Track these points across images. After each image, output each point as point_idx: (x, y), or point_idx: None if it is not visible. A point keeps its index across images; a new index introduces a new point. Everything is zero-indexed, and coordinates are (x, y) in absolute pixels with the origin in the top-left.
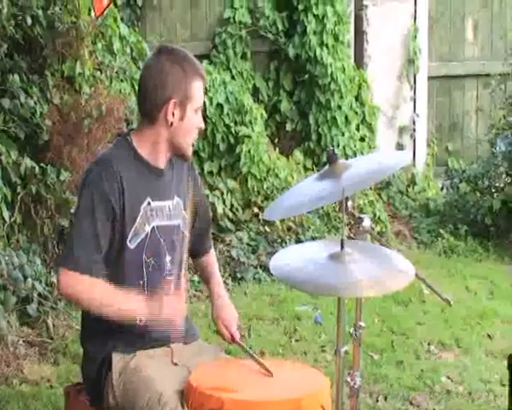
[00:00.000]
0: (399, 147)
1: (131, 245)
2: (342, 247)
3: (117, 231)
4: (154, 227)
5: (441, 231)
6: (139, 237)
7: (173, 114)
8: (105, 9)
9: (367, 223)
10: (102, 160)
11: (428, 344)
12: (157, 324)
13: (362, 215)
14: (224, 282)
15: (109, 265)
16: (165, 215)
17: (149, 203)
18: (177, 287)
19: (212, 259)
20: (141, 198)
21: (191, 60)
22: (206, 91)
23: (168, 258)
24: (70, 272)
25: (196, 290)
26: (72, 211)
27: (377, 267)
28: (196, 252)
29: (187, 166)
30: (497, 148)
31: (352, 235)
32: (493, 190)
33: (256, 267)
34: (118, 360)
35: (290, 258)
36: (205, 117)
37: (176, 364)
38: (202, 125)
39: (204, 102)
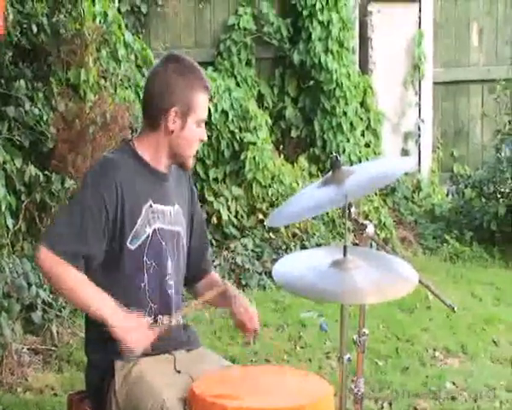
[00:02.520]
0: (404, 153)
1: (132, 246)
2: (345, 254)
3: (116, 233)
4: (155, 229)
5: (446, 236)
6: (140, 238)
7: (174, 122)
8: None
9: (371, 229)
10: (103, 161)
11: (433, 350)
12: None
13: (365, 222)
14: None
15: (109, 267)
16: (166, 220)
17: (151, 205)
18: (176, 303)
19: (216, 276)
20: (142, 200)
21: (197, 71)
22: (210, 99)
23: (170, 262)
24: (50, 252)
25: None
26: None
27: (380, 274)
28: (197, 274)
29: (186, 177)
30: (503, 153)
31: (356, 241)
32: (499, 196)
33: (261, 274)
34: (120, 367)
35: (293, 265)
36: (210, 124)
37: (179, 371)
38: (205, 138)
39: (209, 109)
